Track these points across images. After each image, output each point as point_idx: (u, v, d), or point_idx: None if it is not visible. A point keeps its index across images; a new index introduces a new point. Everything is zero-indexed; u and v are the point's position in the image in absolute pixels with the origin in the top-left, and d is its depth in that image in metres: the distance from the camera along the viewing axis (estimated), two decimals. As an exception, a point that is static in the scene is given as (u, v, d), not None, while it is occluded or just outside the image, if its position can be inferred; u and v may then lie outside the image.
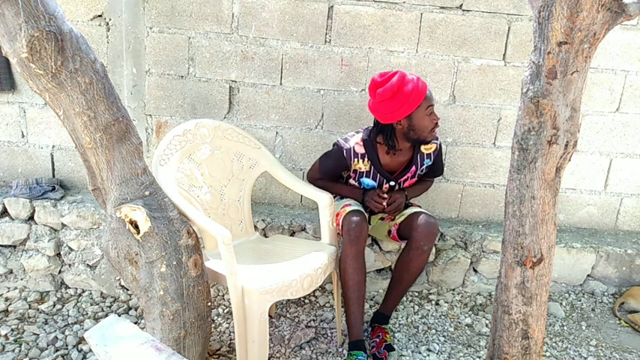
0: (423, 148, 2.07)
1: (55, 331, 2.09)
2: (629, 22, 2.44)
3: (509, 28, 2.42)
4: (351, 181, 2.15)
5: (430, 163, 2.13)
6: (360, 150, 2.01)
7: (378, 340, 2.06)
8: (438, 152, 2.12)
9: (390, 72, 1.89)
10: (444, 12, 2.39)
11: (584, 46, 1.28)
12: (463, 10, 2.40)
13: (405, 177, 2.08)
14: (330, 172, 2.11)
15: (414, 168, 2.08)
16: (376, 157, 2.02)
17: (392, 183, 2.08)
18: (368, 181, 2.08)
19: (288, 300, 2.35)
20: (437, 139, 2.10)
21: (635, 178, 2.68)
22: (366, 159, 2.02)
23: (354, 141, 2.02)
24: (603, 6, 1.24)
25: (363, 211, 2.03)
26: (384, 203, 2.02)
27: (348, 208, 2.00)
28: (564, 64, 1.29)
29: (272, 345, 2.06)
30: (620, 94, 2.56)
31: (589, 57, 1.31)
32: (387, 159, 2.05)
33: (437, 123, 1.92)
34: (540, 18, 1.29)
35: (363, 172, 2.05)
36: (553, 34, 1.27)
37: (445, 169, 2.59)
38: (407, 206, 2.17)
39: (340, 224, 2.00)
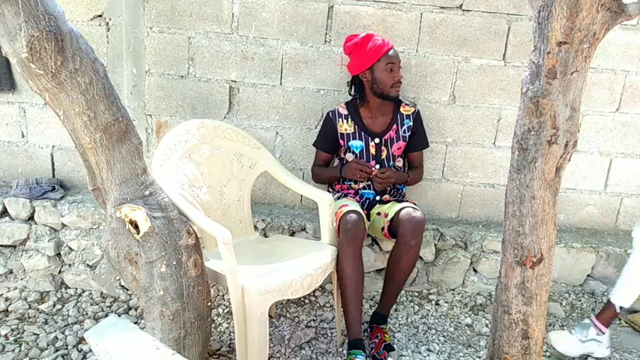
0: (402, 109, 2.28)
1: (55, 331, 2.09)
2: (629, 22, 2.44)
3: (509, 28, 2.42)
4: (344, 155, 2.28)
5: (411, 125, 2.28)
6: (344, 111, 2.26)
7: (377, 340, 2.06)
8: (417, 115, 2.31)
9: None
10: (444, 12, 2.39)
11: (583, 46, 1.28)
12: (463, 10, 2.39)
13: (389, 135, 2.24)
14: (324, 142, 2.31)
15: (395, 127, 2.26)
16: (358, 116, 2.24)
17: (377, 140, 2.23)
18: (355, 143, 2.24)
19: (288, 300, 2.35)
20: (414, 105, 2.36)
21: (635, 178, 2.68)
22: (349, 119, 2.24)
23: (338, 106, 2.29)
24: (603, 6, 1.24)
25: (360, 210, 2.04)
26: (369, 171, 2.14)
27: (345, 209, 2.01)
28: (564, 64, 1.29)
29: (272, 345, 2.06)
30: (620, 94, 2.56)
31: (589, 57, 1.31)
32: (370, 121, 2.25)
33: (399, 80, 2.15)
34: (540, 18, 1.30)
35: (349, 133, 2.24)
36: (553, 34, 1.27)
37: (445, 168, 2.59)
38: (400, 201, 2.19)
39: (337, 224, 2.01)
